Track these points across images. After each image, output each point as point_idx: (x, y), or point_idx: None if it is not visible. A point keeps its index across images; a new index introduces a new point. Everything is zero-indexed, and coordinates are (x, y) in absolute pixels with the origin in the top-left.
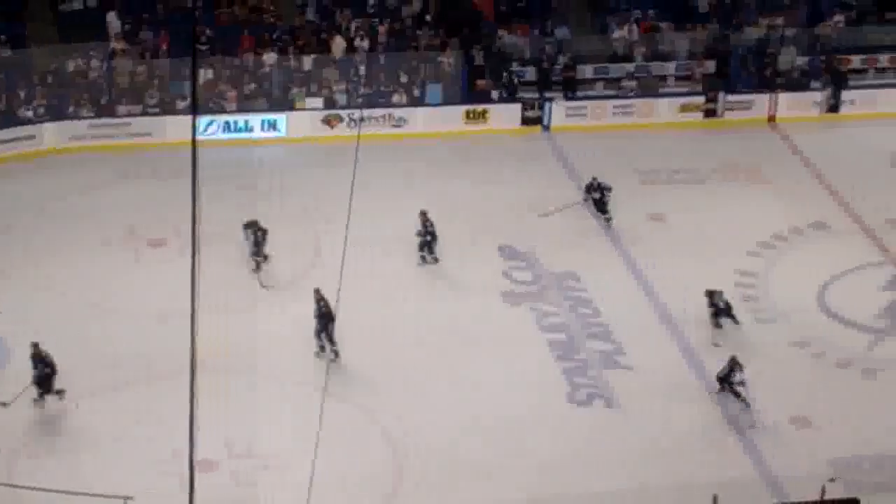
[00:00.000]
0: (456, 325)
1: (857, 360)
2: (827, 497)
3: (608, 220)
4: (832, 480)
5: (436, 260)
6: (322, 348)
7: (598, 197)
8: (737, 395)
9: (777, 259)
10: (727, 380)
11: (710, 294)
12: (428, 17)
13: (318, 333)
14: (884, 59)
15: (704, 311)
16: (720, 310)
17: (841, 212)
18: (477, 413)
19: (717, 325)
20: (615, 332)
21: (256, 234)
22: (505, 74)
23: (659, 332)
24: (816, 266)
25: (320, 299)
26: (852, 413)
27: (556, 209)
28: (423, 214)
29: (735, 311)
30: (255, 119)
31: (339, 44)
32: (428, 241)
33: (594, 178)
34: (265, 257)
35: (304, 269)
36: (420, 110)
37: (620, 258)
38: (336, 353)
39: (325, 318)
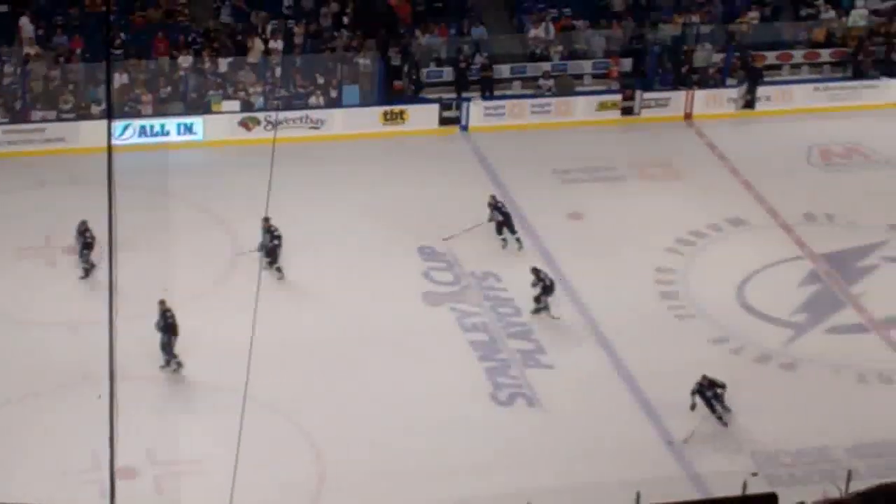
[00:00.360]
0: (377, 327)
1: (776, 355)
2: (749, 492)
3: (507, 240)
4: (754, 475)
5: (279, 271)
6: (167, 362)
7: (501, 220)
8: (712, 409)
9: (695, 255)
10: (703, 394)
11: (536, 272)
12: (346, 19)
13: (163, 346)
14: (798, 55)
15: (623, 309)
16: (546, 287)
17: (758, 207)
18: (399, 415)
19: (538, 302)
20: (536, 331)
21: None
22: (407, 68)
23: (578, 330)
24: (734, 262)
25: (165, 311)
26: (772, 407)
27: (460, 232)
28: (266, 221)
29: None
30: (171, 123)
31: (254, 46)
32: (274, 247)
33: (493, 197)
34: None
35: (223, 273)
36: (337, 112)
37: (540, 256)
38: (179, 365)
39: (170, 331)
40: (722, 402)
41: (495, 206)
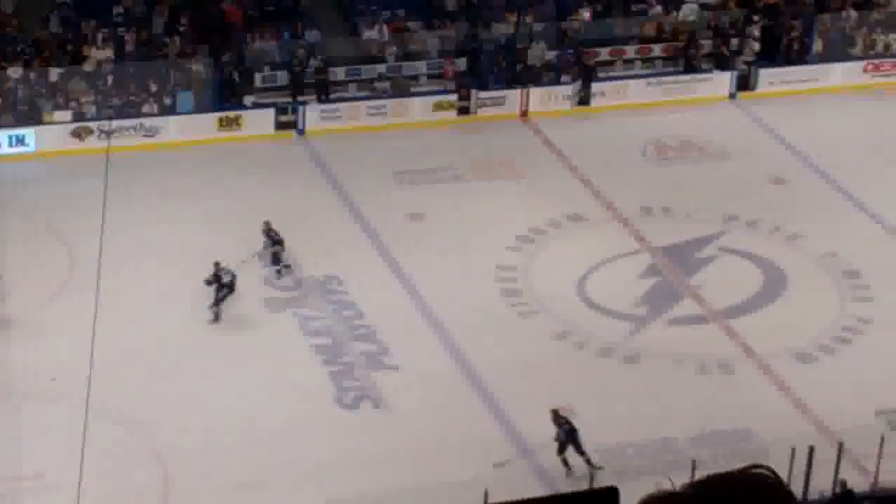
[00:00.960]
0: (219, 335)
1: (618, 349)
2: (596, 485)
3: (285, 268)
4: (600, 468)
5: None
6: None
7: (277, 251)
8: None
9: (536, 252)
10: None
11: (217, 265)
12: (182, 27)
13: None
14: (631, 51)
15: (467, 308)
16: (223, 284)
17: (596, 202)
18: (244, 422)
19: (219, 302)
20: (379, 333)
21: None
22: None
23: (423, 331)
24: (575, 257)
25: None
26: (615, 401)
27: (248, 258)
28: (266, 224)
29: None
30: (2, 135)
31: (86, 55)
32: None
33: (266, 224)
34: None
35: (57, 287)
36: (172, 119)
37: (381, 259)
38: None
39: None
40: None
41: (268, 233)
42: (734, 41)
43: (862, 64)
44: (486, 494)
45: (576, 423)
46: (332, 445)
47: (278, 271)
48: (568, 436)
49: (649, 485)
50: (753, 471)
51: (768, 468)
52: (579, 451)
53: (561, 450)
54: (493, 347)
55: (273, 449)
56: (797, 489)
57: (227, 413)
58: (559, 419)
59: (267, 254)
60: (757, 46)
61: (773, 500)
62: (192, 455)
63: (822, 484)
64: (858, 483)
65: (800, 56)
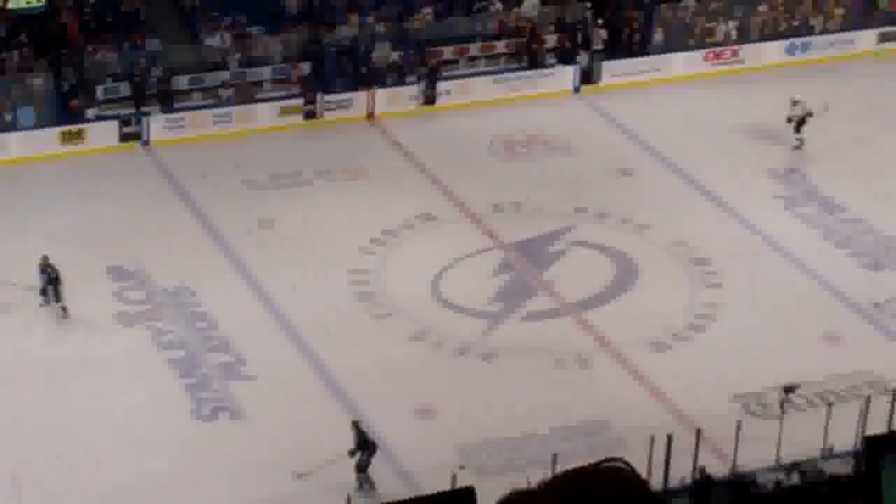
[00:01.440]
0: (72, 353)
1: (475, 346)
2: (460, 484)
3: (63, 309)
4: (462, 468)
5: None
6: None
7: (46, 283)
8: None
9: (389, 254)
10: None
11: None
12: (20, 40)
13: None
14: (474, 49)
15: (322, 314)
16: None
17: (446, 201)
18: (99, 439)
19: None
20: (235, 343)
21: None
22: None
23: (278, 339)
24: (427, 257)
25: None
26: (474, 398)
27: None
28: (44, 259)
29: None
30: None
31: None
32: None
33: (44, 258)
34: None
35: None
36: (13, 135)
37: (233, 268)
38: None
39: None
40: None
41: (45, 269)
42: (578, 35)
43: (702, 53)
44: (348, 499)
45: (434, 424)
46: (190, 458)
47: (63, 308)
48: (366, 447)
49: (510, 482)
50: (607, 464)
51: (622, 460)
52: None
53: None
54: (351, 352)
55: (128, 464)
56: (657, 477)
57: (84, 430)
58: (361, 433)
59: (49, 290)
60: (604, 34)
61: (627, 491)
62: (48, 472)
63: (682, 471)
64: (717, 468)
65: (641, 47)
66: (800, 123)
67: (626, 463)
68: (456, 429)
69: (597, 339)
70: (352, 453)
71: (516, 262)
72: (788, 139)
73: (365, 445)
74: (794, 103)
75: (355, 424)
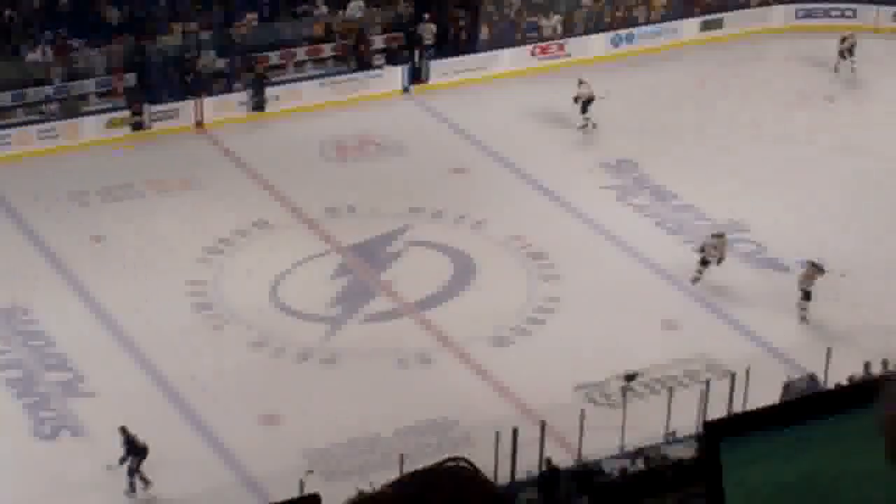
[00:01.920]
0: None
1: (316, 351)
2: (309, 490)
3: None
4: (309, 472)
5: None
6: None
7: None
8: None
9: (225, 263)
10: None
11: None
12: None
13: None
14: (301, 53)
15: (160, 326)
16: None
17: (281, 208)
18: None
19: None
20: (72, 360)
21: None
22: None
23: (117, 353)
24: (264, 264)
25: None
26: (319, 403)
27: None
28: None
29: None
30: None
31: None
32: None
33: None
34: None
35: None
36: None
37: (67, 284)
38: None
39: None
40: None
41: None
42: (405, 35)
43: (529, 47)
44: None
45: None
46: (33, 478)
47: None
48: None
49: (356, 486)
50: (448, 464)
51: (464, 459)
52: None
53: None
54: (191, 363)
55: None
56: (504, 471)
57: None
58: (129, 438)
59: None
60: (433, 28)
61: (470, 490)
62: None
63: (529, 463)
64: (563, 458)
65: (468, 45)
66: (586, 104)
67: (468, 462)
68: (301, 434)
69: (438, 337)
70: (122, 461)
71: (354, 264)
72: (620, 130)
73: (135, 451)
74: (581, 83)
75: (123, 430)
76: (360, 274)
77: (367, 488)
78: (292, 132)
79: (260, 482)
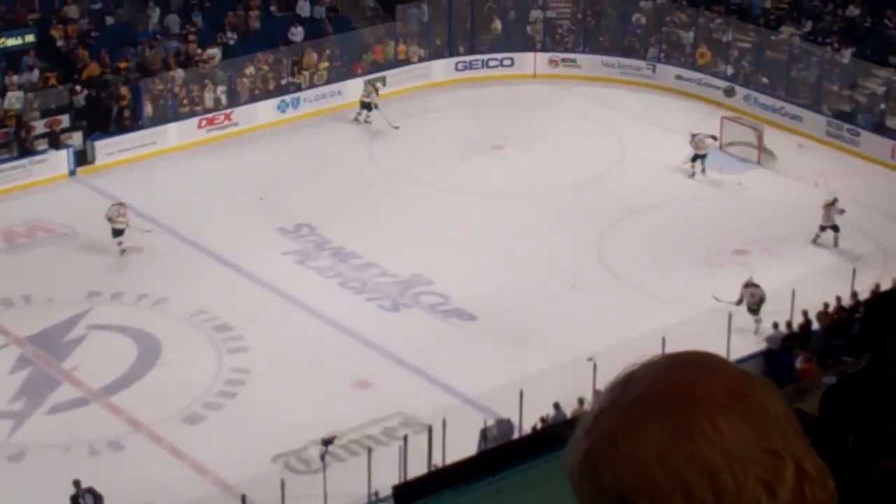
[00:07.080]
0: None
1: (2, 448)
2: None
3: None
4: None
5: None
6: None
7: None
8: None
9: None
10: None
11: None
12: None
13: None
14: None
15: None
16: None
17: None
18: None
19: None
20: None
21: None
22: None
23: None
24: None
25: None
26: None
27: None
28: None
29: None
30: None
31: None
32: None
33: None
34: None
35: None
36: None
37: None
38: None
39: None
40: None
41: None
42: (64, 118)
43: (196, 120)
44: None
45: None
46: None
47: None
48: None
49: None
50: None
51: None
52: None
53: None
54: None
55: None
56: None
57: None
58: None
59: None
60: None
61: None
62: None
63: None
64: None
65: (133, 122)
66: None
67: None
68: None
69: (129, 421)
70: None
71: (34, 355)
72: (295, 195)
73: None
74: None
75: None
76: (41, 364)
77: None
78: None
79: None
